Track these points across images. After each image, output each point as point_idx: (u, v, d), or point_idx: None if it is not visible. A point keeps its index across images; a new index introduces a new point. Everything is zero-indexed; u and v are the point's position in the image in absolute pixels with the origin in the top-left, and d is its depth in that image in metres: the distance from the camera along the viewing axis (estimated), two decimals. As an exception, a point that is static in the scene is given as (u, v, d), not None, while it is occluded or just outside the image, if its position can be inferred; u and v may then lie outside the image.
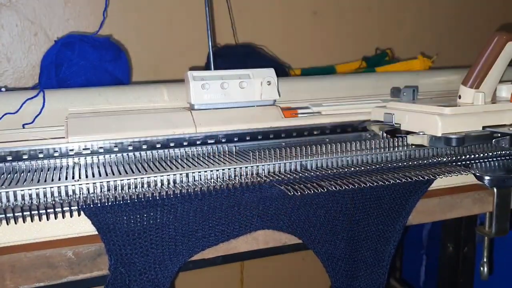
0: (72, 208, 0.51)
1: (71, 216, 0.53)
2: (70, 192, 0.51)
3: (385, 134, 0.70)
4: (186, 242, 0.55)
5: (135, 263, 0.53)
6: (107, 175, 0.54)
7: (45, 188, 0.50)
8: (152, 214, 0.53)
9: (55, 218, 0.52)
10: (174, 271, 0.55)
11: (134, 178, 0.53)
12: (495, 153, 0.68)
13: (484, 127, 0.64)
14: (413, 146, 0.65)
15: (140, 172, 0.55)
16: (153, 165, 0.58)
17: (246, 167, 0.57)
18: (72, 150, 0.62)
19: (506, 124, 0.66)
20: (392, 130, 0.69)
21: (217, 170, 0.56)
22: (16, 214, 0.50)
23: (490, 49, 0.67)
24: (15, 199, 0.49)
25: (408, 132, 0.66)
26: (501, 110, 0.67)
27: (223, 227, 0.56)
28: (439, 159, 0.65)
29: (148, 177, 0.53)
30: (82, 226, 0.54)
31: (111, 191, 0.52)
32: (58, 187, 0.51)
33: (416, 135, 0.64)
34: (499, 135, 0.64)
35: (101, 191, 0.52)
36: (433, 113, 0.64)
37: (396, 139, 0.65)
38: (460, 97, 0.70)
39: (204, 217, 0.55)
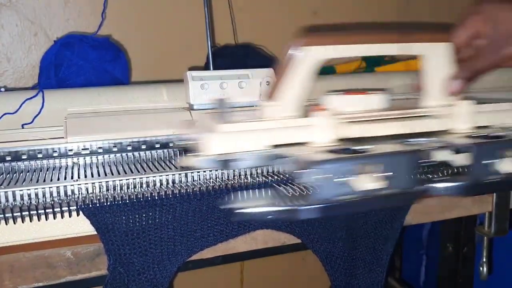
0: (71, 208, 0.51)
1: (70, 216, 0.52)
2: (69, 192, 0.51)
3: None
4: (185, 242, 0.55)
5: (134, 263, 0.53)
6: (106, 175, 0.54)
7: (44, 188, 0.50)
8: (151, 214, 0.53)
9: (54, 218, 0.52)
10: (172, 271, 0.56)
11: (133, 178, 0.53)
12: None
13: (274, 146, 0.50)
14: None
15: (139, 172, 0.55)
16: (152, 165, 0.59)
17: (245, 167, 0.57)
18: (71, 150, 0.61)
19: (297, 143, 0.51)
20: (185, 148, 0.60)
21: (216, 170, 0.56)
22: (15, 214, 0.50)
23: (284, 58, 0.53)
24: (14, 199, 0.49)
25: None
26: (295, 126, 0.51)
27: (221, 227, 0.56)
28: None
29: (147, 177, 0.54)
30: (81, 226, 0.54)
31: (110, 191, 0.52)
32: (57, 187, 0.51)
33: (187, 156, 0.53)
34: (277, 155, 0.49)
35: (100, 191, 0.52)
36: (208, 129, 0.50)
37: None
38: (257, 111, 0.57)
39: (203, 217, 0.55)
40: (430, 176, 0.55)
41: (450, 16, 1.47)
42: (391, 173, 0.44)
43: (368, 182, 0.42)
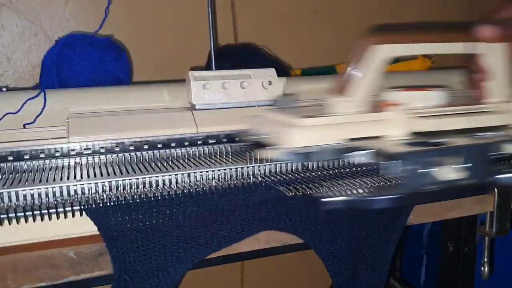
0: (74, 208, 0.51)
1: (72, 216, 0.52)
2: (72, 192, 0.51)
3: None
4: (189, 249, 0.55)
5: (139, 270, 0.53)
6: (108, 175, 0.54)
7: (46, 188, 0.50)
8: (154, 222, 0.53)
9: (57, 218, 0.52)
10: (177, 278, 0.55)
11: (136, 178, 0.53)
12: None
13: (351, 139, 0.54)
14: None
15: (141, 172, 0.55)
16: (154, 165, 0.59)
17: (248, 167, 0.57)
18: (73, 150, 0.62)
19: (372, 136, 0.55)
20: (259, 143, 0.60)
21: (219, 170, 0.56)
22: (17, 214, 0.50)
23: (354, 55, 0.58)
24: (17, 199, 0.49)
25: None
26: (369, 120, 0.55)
27: (225, 232, 0.56)
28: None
29: (149, 177, 0.53)
30: (84, 226, 0.53)
31: (112, 191, 0.52)
32: (59, 187, 0.51)
33: (269, 148, 0.55)
34: (355, 148, 0.53)
35: (102, 191, 0.52)
36: (287, 124, 0.54)
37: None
38: (327, 106, 0.59)
39: (206, 222, 0.55)
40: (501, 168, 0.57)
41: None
42: (470, 164, 0.48)
43: (450, 172, 0.47)
